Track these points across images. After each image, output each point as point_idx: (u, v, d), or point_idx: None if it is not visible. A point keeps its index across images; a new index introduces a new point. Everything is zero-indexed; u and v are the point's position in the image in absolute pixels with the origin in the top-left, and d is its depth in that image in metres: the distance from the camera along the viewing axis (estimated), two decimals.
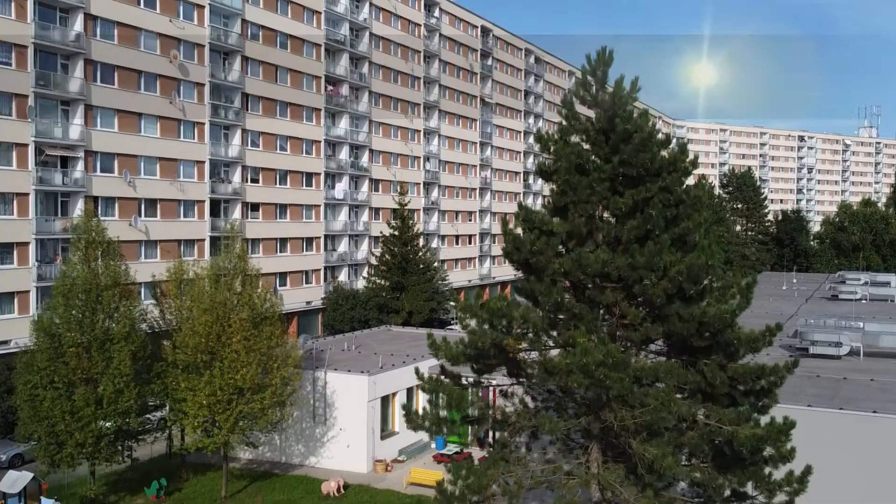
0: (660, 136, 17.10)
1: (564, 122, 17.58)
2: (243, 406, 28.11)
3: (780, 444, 16.22)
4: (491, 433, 20.80)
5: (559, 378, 15.19)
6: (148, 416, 30.49)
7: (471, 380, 18.99)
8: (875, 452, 24.73)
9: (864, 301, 59.60)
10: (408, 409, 18.99)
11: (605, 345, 15.16)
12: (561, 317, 16.38)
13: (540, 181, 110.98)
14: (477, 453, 25.61)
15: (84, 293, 26.90)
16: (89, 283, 26.99)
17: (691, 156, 17.47)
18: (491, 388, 21.18)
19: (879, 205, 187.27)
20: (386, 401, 34.88)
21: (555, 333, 16.54)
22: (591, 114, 18.03)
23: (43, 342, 26.60)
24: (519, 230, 16.85)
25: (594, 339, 15.67)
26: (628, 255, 15.90)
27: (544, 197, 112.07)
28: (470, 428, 19.25)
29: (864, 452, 24.80)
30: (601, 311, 16.76)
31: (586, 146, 17.47)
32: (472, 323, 17.48)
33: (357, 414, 33.41)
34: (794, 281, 74.54)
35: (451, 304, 68.98)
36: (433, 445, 35.92)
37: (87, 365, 26.47)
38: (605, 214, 17.07)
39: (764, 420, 17.25)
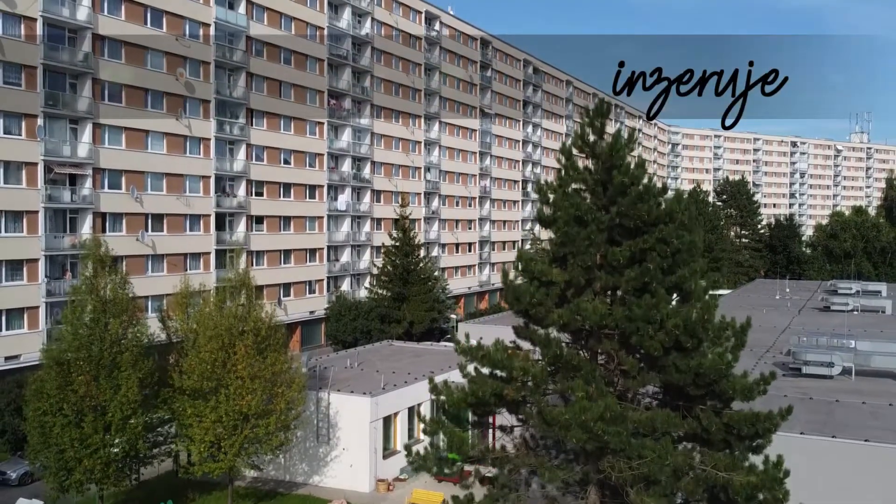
0: (657, 185, 17.07)
1: (563, 172, 17.56)
2: (248, 431, 28.11)
3: (775, 490, 16.19)
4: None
5: (558, 430, 15.18)
6: (157, 430, 30.25)
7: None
8: (867, 482, 24.68)
9: (855, 312, 59.51)
10: (409, 449, 18.89)
11: (604, 396, 15.14)
12: (560, 363, 16.35)
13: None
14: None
15: (92, 322, 26.88)
16: (97, 313, 26.97)
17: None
18: (491, 422, 21.10)
19: (871, 208, 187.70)
20: (388, 421, 34.87)
21: (554, 380, 16.53)
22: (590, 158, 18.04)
23: (52, 370, 26.56)
24: (519, 280, 16.83)
25: (592, 387, 15.65)
26: (626, 306, 15.89)
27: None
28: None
29: (856, 481, 24.75)
30: (600, 359, 16.75)
31: (584, 191, 17.46)
32: (471, 368, 17.46)
33: (360, 434, 33.38)
34: (787, 290, 74.41)
35: (452, 316, 69.07)
36: None
37: (96, 392, 26.44)
38: (604, 261, 17.02)
39: (758, 458, 17.25)
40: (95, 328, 26.96)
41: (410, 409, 35.92)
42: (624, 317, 15.70)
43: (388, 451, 34.83)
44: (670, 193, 18.16)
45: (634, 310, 15.56)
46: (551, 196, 17.17)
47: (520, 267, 16.59)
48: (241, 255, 31.39)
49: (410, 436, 36.27)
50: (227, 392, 27.69)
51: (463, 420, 19.45)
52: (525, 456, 18.20)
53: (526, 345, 18.07)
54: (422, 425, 35.84)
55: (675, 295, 17.11)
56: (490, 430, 22.88)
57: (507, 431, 19.84)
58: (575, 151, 17.36)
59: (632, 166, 16.59)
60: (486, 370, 16.88)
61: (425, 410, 36.25)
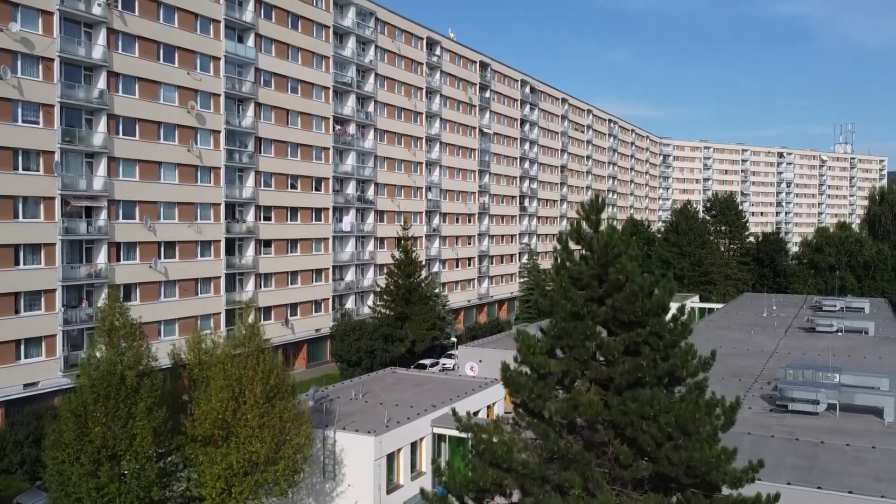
0: (650, 278, 17.09)
1: (558, 260, 17.61)
2: (259, 476, 28.17)
3: None
4: None
5: None
6: (169, 471, 30.20)
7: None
8: None
9: (839, 334, 59.65)
10: None
11: (600, 488, 15.20)
12: (558, 454, 16.40)
13: (535, 203, 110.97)
14: None
15: (108, 374, 26.88)
16: (113, 365, 27.00)
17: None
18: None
19: (854, 216, 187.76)
20: (391, 457, 34.92)
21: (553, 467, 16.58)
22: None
23: (70, 422, 26.61)
24: (522, 368, 16.89)
25: (588, 476, 15.72)
26: (621, 398, 15.94)
27: (539, 219, 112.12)
28: None
29: None
30: (596, 447, 16.78)
31: (580, 280, 17.49)
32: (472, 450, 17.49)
33: (364, 471, 33.44)
34: (774, 308, 74.45)
35: (453, 339, 69.08)
36: None
37: (112, 443, 26.49)
38: (598, 351, 17.06)
39: None
40: (111, 379, 26.98)
41: (413, 445, 36.01)
42: (619, 410, 15.76)
43: (391, 486, 34.90)
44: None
45: (629, 404, 15.63)
46: (548, 287, 17.18)
47: (519, 359, 16.64)
48: (250, 312, 31.26)
49: (413, 468, 36.39)
50: (238, 440, 27.74)
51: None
52: None
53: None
54: (428, 464, 35.99)
55: (667, 381, 17.16)
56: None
57: (505, 496, 19.92)
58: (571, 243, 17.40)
59: (626, 261, 16.60)
60: (487, 464, 16.88)
61: (426, 445, 36.46)
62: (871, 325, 61.22)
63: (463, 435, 33.88)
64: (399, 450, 35.27)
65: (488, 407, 42.76)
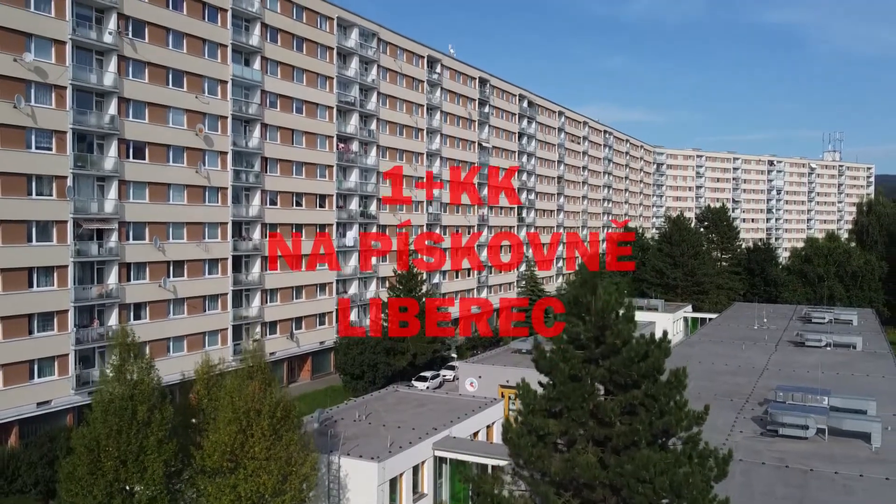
0: (646, 337, 17.21)
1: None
2: None
3: None
4: None
5: None
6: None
7: None
8: None
9: (828, 349, 59.83)
10: None
11: None
12: None
13: (533, 214, 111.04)
14: None
15: (121, 409, 27.00)
16: (125, 399, 27.11)
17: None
18: None
19: (842, 221, 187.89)
20: (394, 481, 35.02)
21: None
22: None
23: (83, 456, 26.73)
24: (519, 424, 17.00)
25: None
26: (618, 460, 16.06)
27: (536, 228, 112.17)
28: None
29: None
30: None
31: (578, 342, 17.59)
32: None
33: (368, 496, 33.54)
34: (765, 320, 74.58)
35: (453, 355, 69.18)
36: None
37: (124, 476, 26.63)
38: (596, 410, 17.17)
39: None
40: (123, 414, 27.10)
41: (415, 468, 36.12)
42: (615, 472, 15.88)
43: None
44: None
45: (625, 466, 15.75)
46: (547, 349, 17.32)
47: (520, 419, 16.76)
48: (256, 327, 31.41)
49: (415, 490, 36.51)
50: (245, 472, 27.84)
51: None
52: None
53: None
54: (430, 486, 36.13)
55: (662, 437, 17.27)
56: None
57: None
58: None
59: (622, 325, 16.71)
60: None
61: (428, 468, 36.60)
62: (858, 340, 61.34)
63: (464, 458, 33.95)
64: (401, 474, 35.36)
65: (488, 427, 42.90)
